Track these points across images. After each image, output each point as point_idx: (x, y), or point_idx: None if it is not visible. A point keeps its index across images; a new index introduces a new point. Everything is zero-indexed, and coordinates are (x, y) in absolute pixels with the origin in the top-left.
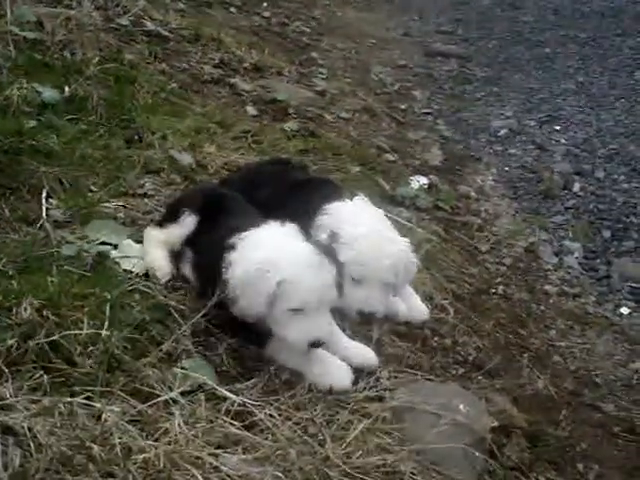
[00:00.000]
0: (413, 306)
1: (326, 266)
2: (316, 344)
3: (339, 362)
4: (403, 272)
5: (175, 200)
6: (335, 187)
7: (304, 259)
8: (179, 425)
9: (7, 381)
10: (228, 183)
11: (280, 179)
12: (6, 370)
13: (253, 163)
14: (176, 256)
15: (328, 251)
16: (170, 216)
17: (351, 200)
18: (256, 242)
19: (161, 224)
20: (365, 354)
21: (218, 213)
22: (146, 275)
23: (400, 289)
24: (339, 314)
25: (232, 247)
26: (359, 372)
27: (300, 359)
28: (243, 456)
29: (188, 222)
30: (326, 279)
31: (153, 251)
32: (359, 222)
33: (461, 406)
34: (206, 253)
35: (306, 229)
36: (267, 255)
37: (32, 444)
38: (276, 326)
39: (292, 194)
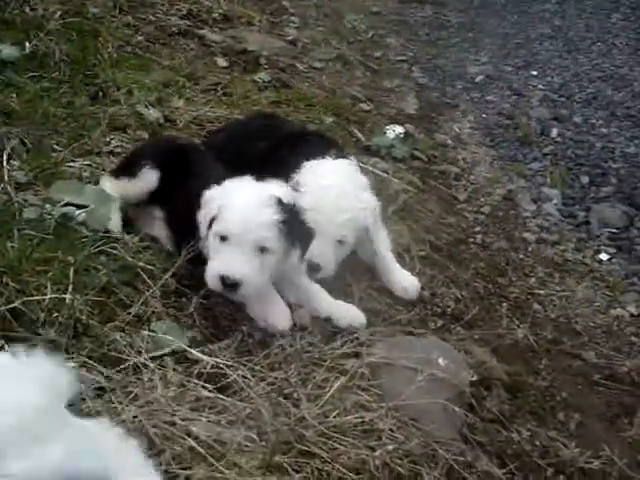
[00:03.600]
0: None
1: (270, 210)
2: (228, 283)
3: (282, 305)
4: (364, 234)
5: (134, 151)
6: (326, 143)
7: (244, 193)
8: (150, 390)
9: None
10: (213, 140)
11: (271, 134)
12: None
13: (238, 119)
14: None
15: (290, 209)
16: (127, 168)
17: (333, 158)
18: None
19: (117, 175)
20: (352, 314)
21: (182, 167)
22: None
23: (369, 251)
24: None
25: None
26: (337, 328)
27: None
28: (216, 418)
29: (149, 177)
30: (260, 217)
31: None
32: (327, 176)
33: (440, 360)
34: (178, 209)
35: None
36: (221, 187)
37: None
38: (208, 256)
39: (281, 149)
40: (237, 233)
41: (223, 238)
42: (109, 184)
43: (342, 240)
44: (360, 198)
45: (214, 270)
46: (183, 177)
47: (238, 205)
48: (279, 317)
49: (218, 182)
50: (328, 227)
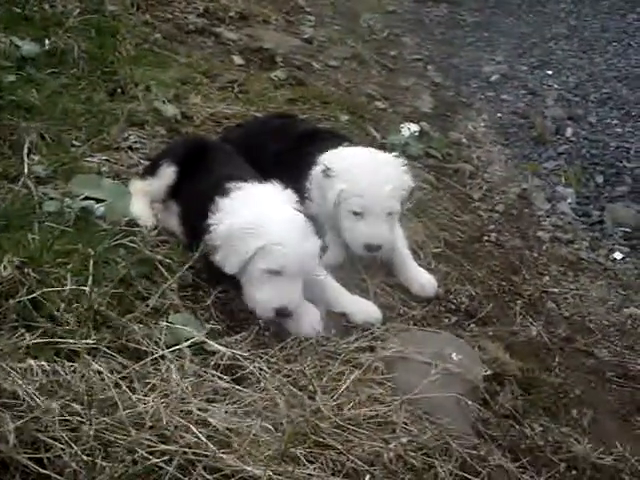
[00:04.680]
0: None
1: (311, 236)
2: (282, 312)
3: (312, 308)
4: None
5: (159, 152)
6: (341, 140)
7: (289, 225)
8: (167, 380)
9: None
10: (230, 136)
11: (288, 133)
12: None
13: (256, 117)
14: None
15: (314, 221)
16: (151, 168)
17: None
18: (245, 200)
19: (143, 176)
20: (368, 309)
21: (201, 163)
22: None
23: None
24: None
25: (221, 195)
26: (352, 323)
27: None
28: (232, 408)
29: (167, 173)
30: (309, 248)
31: (136, 201)
32: (355, 157)
33: (454, 355)
34: (191, 204)
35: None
36: (253, 216)
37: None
38: (248, 284)
39: (296, 148)
40: (292, 267)
41: (274, 271)
42: (137, 184)
43: (392, 212)
44: (394, 164)
45: (268, 303)
46: (199, 173)
47: (288, 240)
48: (309, 320)
49: (228, 180)
50: (375, 205)
